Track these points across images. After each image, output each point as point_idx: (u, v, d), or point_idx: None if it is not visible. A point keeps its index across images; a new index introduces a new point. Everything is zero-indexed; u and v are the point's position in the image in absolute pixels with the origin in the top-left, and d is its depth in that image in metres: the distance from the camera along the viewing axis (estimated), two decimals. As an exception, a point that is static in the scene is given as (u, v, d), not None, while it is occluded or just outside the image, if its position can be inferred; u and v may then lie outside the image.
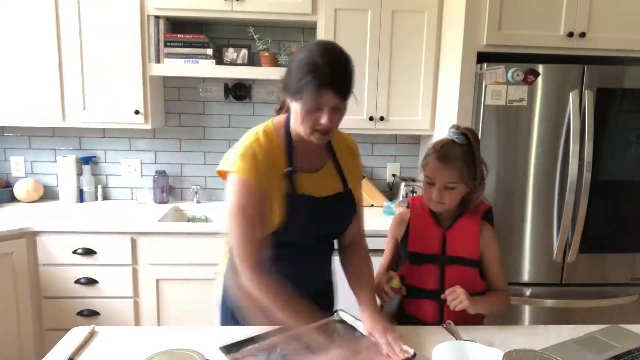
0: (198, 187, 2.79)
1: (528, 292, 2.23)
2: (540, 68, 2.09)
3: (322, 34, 2.43)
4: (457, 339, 1.26)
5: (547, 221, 2.19)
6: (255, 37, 2.53)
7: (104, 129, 2.75)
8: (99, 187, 2.79)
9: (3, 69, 2.37)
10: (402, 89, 2.52)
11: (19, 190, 2.67)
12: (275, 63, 2.52)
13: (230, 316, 1.30)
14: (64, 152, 2.79)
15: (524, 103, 2.11)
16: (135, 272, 2.29)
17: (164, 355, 1.08)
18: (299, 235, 1.29)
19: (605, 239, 2.24)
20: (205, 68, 2.44)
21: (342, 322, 1.34)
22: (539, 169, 2.16)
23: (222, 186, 2.85)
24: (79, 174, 2.75)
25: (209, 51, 2.43)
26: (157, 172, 2.76)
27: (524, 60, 2.09)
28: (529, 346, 1.16)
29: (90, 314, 2.28)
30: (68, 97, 2.42)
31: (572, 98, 2.09)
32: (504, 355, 1.07)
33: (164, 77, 2.70)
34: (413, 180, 2.74)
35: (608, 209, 2.22)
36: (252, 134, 1.29)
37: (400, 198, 2.64)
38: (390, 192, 2.86)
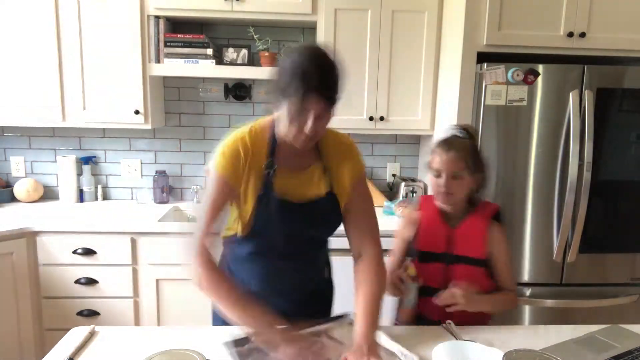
0: (198, 187, 2.79)
1: (528, 292, 2.23)
2: (540, 68, 2.09)
3: (322, 34, 2.43)
4: (457, 339, 1.26)
5: (547, 221, 2.19)
6: (255, 37, 2.53)
7: (104, 129, 2.75)
8: (99, 187, 2.79)
9: (3, 69, 2.37)
10: (402, 89, 2.52)
11: (19, 190, 2.67)
12: (275, 63, 2.51)
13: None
14: (64, 152, 2.79)
15: (524, 103, 2.11)
16: (135, 272, 2.29)
17: (164, 355, 1.08)
18: (268, 236, 1.28)
19: (605, 239, 2.24)
20: (205, 68, 2.44)
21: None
22: (539, 169, 2.16)
23: (222, 186, 2.85)
24: (79, 174, 2.75)
25: (209, 51, 2.43)
26: (157, 172, 2.76)
27: (524, 60, 2.10)
28: (529, 346, 1.16)
29: (90, 314, 2.28)
30: (68, 97, 2.42)
31: (572, 98, 2.09)
32: (504, 355, 1.07)
33: (164, 77, 2.70)
34: (413, 180, 2.74)
35: (608, 209, 2.22)
36: (239, 132, 1.29)
37: (400, 198, 2.64)
38: (390, 192, 2.86)
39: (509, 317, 2.20)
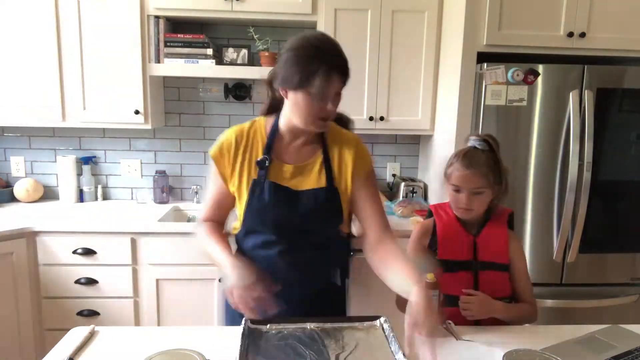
0: (198, 187, 2.79)
1: (528, 292, 2.23)
2: (540, 68, 2.09)
3: (322, 34, 2.42)
4: (456, 339, 1.25)
5: (547, 221, 2.19)
6: (255, 37, 2.53)
7: (104, 129, 2.75)
8: (99, 187, 2.79)
9: (3, 69, 2.37)
10: (402, 89, 2.52)
11: (19, 190, 2.67)
12: (275, 63, 2.51)
13: (238, 315, 1.29)
14: (64, 152, 2.79)
15: (524, 103, 2.11)
16: (135, 272, 2.29)
17: (164, 355, 1.08)
18: (262, 225, 1.31)
19: (605, 239, 2.24)
20: (205, 68, 2.44)
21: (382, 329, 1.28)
22: (539, 169, 2.16)
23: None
24: (79, 174, 2.75)
25: (209, 51, 2.43)
26: (157, 172, 2.76)
27: (524, 60, 2.10)
28: (529, 346, 1.16)
29: (90, 314, 2.28)
30: (68, 97, 2.42)
31: (572, 98, 2.09)
32: (504, 356, 1.07)
33: (164, 77, 2.70)
34: (413, 180, 2.74)
35: (608, 209, 2.22)
36: (239, 125, 1.35)
37: (400, 198, 2.64)
38: (390, 192, 2.86)
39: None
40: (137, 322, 2.33)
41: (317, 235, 1.36)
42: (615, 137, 2.16)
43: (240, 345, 1.12)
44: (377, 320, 1.31)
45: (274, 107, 1.35)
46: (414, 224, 2.30)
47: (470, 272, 1.42)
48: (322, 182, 1.32)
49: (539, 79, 2.10)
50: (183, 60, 2.42)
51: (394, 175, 2.90)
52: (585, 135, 2.10)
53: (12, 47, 2.36)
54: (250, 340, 1.19)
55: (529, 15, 2.11)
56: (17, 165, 2.78)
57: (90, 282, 2.25)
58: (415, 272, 1.18)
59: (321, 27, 2.42)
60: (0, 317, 2.16)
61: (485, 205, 1.43)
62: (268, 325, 1.25)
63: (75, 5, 2.34)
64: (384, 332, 1.25)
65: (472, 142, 1.45)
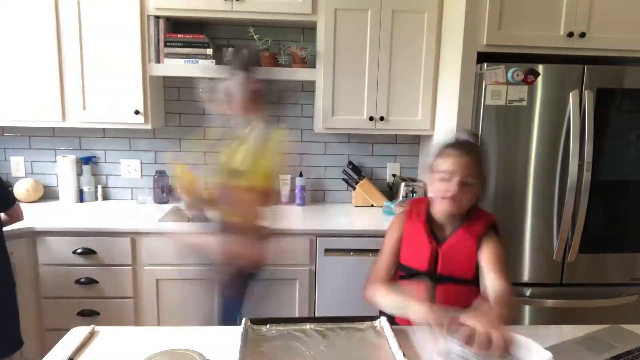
0: (198, 187, 2.79)
1: (528, 292, 2.23)
2: (540, 68, 2.09)
3: (322, 34, 2.43)
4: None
5: (547, 221, 2.19)
6: (255, 37, 2.53)
7: (104, 129, 2.75)
8: (99, 187, 2.79)
9: (3, 69, 2.37)
10: (402, 89, 2.52)
11: (19, 190, 2.67)
12: (275, 63, 2.52)
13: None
14: (64, 152, 2.79)
15: (524, 103, 2.11)
16: (135, 272, 2.29)
17: (164, 355, 1.08)
18: None
19: (605, 239, 2.24)
20: (205, 68, 2.43)
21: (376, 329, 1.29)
22: (539, 169, 2.16)
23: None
24: (79, 174, 2.75)
25: (209, 51, 2.43)
26: (157, 172, 2.76)
27: (524, 60, 2.09)
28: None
29: (90, 314, 2.28)
30: (68, 97, 2.42)
31: (572, 98, 2.09)
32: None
33: (164, 77, 2.70)
34: (413, 180, 2.74)
35: (608, 209, 2.22)
36: None
37: (400, 198, 2.64)
38: (390, 192, 2.86)
39: (509, 317, 2.20)
40: (137, 322, 2.33)
41: None
42: (615, 137, 2.16)
43: (240, 346, 1.12)
44: (377, 320, 1.31)
45: None
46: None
47: (427, 282, 1.35)
48: None
49: (539, 79, 2.10)
50: (183, 60, 2.42)
51: (394, 175, 2.90)
52: (585, 135, 2.10)
53: (12, 47, 2.36)
54: (250, 341, 1.19)
55: (529, 15, 2.11)
56: (17, 165, 2.78)
57: (90, 282, 2.25)
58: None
59: (321, 27, 2.42)
60: (0, 317, 2.15)
61: (472, 200, 1.37)
62: (268, 326, 1.25)
63: (75, 5, 2.34)
64: (384, 332, 1.25)
65: (461, 135, 1.43)
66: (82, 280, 2.25)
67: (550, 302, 2.22)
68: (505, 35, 2.12)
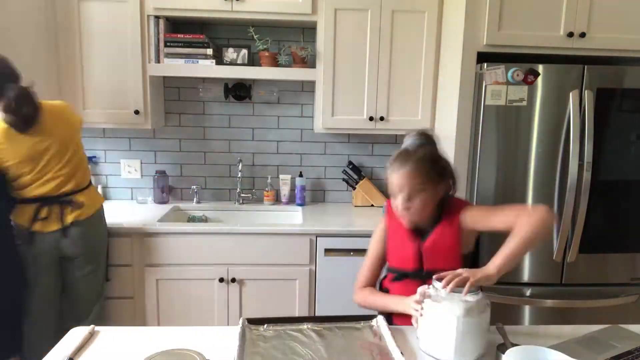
0: (198, 187, 2.79)
1: (528, 292, 2.23)
2: (540, 68, 2.09)
3: (322, 34, 2.43)
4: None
5: (547, 221, 2.19)
6: (255, 37, 2.53)
7: (104, 129, 2.75)
8: (99, 187, 2.79)
9: (3, 69, 2.36)
10: (402, 89, 2.52)
11: (19, 190, 2.67)
12: (275, 63, 2.52)
13: None
14: (64, 152, 2.78)
15: (524, 103, 2.11)
16: (135, 272, 2.29)
17: (164, 355, 1.08)
18: None
19: (605, 239, 2.24)
20: (205, 68, 2.44)
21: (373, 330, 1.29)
22: (539, 169, 2.16)
23: (221, 186, 2.85)
24: (79, 174, 2.75)
25: (209, 51, 2.43)
26: (157, 172, 2.76)
27: (524, 60, 2.09)
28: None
29: (90, 314, 2.28)
30: (68, 97, 2.41)
31: (572, 98, 2.09)
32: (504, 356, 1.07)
33: (164, 77, 2.70)
34: (413, 180, 2.74)
35: (608, 209, 2.22)
36: None
37: (400, 198, 2.64)
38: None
39: (509, 317, 2.21)
40: (137, 322, 2.33)
41: None
42: (615, 137, 2.16)
43: (239, 346, 1.12)
44: (374, 320, 1.31)
45: None
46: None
47: (417, 281, 1.33)
48: None
49: (539, 79, 2.10)
50: (183, 60, 2.42)
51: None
52: (585, 135, 2.10)
53: (11, 46, 2.36)
54: (247, 341, 1.19)
55: (529, 15, 2.11)
56: (17, 165, 2.78)
57: (90, 282, 2.25)
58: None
59: (321, 27, 2.42)
60: (0, 317, 2.15)
61: (431, 205, 1.34)
62: (265, 326, 1.26)
63: (75, 5, 2.34)
64: (381, 331, 1.25)
65: (406, 140, 1.40)
66: (82, 280, 2.25)
67: (550, 302, 2.22)
68: (505, 35, 2.12)
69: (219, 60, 2.49)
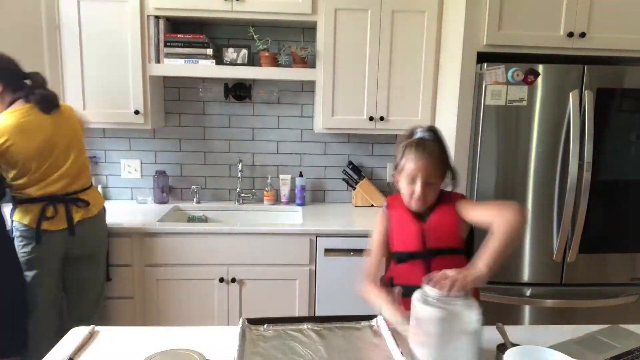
0: (198, 187, 2.79)
1: (528, 292, 2.23)
2: (540, 68, 2.09)
3: (322, 34, 2.43)
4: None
5: (547, 221, 2.19)
6: (255, 37, 2.53)
7: (104, 129, 2.75)
8: (99, 187, 2.79)
9: (3, 69, 2.36)
10: (402, 89, 2.52)
11: (19, 190, 2.67)
12: (275, 63, 2.52)
13: None
14: (64, 152, 2.78)
15: (524, 103, 2.11)
16: (135, 272, 2.29)
17: (164, 355, 1.08)
18: None
19: (605, 239, 2.24)
20: (205, 68, 2.44)
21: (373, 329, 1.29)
22: (539, 169, 2.16)
23: (221, 186, 2.85)
24: (79, 174, 2.75)
25: (209, 51, 2.43)
26: (157, 172, 2.76)
27: (524, 60, 2.10)
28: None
29: (90, 314, 2.28)
30: (68, 97, 2.42)
31: (572, 98, 2.09)
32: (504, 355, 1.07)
33: (164, 77, 2.70)
34: (413, 180, 2.74)
35: (608, 209, 2.22)
36: None
37: (400, 198, 2.64)
38: (390, 192, 2.86)
39: (509, 317, 2.21)
40: (137, 322, 2.33)
41: None
42: (615, 137, 2.16)
43: (239, 346, 1.12)
44: (374, 320, 1.31)
45: None
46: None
47: (422, 261, 1.41)
48: None
49: (539, 79, 2.10)
50: (183, 60, 2.42)
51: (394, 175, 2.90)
52: (585, 135, 2.10)
53: (11, 46, 2.35)
54: (247, 341, 1.19)
55: (529, 15, 2.12)
56: (17, 165, 2.78)
57: (90, 282, 2.25)
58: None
59: (321, 27, 2.42)
60: (0, 317, 2.15)
61: (436, 195, 1.44)
62: (265, 326, 1.25)
63: (75, 5, 2.34)
64: (381, 332, 1.25)
65: (420, 133, 1.45)
66: (82, 280, 2.25)
67: (550, 302, 2.22)
68: (505, 35, 2.12)
69: (219, 60, 2.49)
